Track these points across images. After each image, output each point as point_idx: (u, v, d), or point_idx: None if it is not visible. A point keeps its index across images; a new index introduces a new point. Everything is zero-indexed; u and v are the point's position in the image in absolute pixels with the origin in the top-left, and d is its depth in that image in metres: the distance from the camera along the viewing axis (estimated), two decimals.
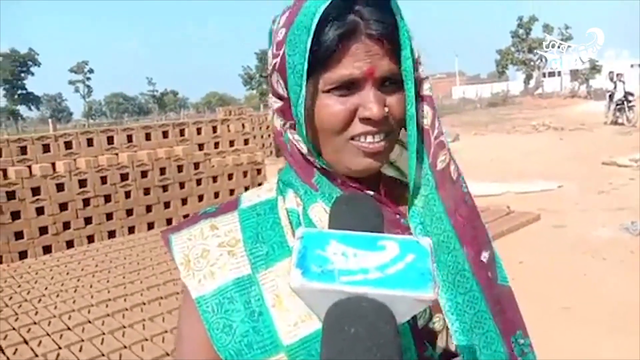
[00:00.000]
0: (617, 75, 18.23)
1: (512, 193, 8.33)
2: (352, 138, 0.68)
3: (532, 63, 47.71)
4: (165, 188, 7.29)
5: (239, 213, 0.73)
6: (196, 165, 7.58)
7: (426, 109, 0.71)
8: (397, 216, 0.73)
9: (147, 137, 7.37)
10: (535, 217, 6.65)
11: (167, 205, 7.29)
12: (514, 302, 0.76)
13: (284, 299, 0.66)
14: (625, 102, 17.61)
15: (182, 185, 7.44)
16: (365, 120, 0.67)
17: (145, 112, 68.79)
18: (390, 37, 0.66)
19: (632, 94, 17.77)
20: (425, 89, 0.72)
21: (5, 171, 6.09)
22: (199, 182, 7.61)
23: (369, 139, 0.68)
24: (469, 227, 0.72)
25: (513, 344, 0.73)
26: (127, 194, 6.96)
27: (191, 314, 0.68)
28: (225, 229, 0.72)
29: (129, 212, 6.98)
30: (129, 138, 7.20)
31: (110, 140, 7.04)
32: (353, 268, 0.45)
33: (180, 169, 7.39)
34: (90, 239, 6.61)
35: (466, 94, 46.38)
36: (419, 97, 0.71)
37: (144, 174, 7.09)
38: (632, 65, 42.98)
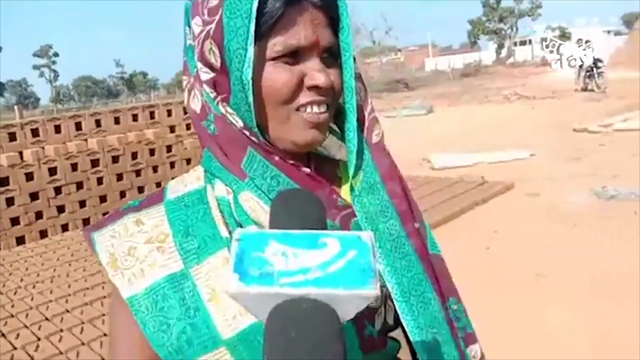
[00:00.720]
0: (586, 42, 18.46)
1: (486, 163, 8.44)
2: (298, 109, 0.67)
3: (503, 32, 47.98)
4: (138, 173, 7.18)
5: (165, 205, 0.70)
6: (168, 148, 7.47)
7: (359, 86, 0.72)
8: (334, 196, 0.72)
9: (117, 121, 7.21)
10: (508, 186, 6.76)
11: (140, 189, 7.19)
12: (446, 270, 0.77)
13: (219, 293, 0.64)
14: (594, 69, 17.88)
15: (155, 169, 7.34)
16: (313, 89, 0.66)
17: (114, 95, 67.39)
18: (331, 8, 0.66)
19: (601, 61, 18.03)
20: (356, 67, 0.71)
21: None
22: (172, 164, 7.51)
23: (315, 108, 0.67)
24: (403, 197, 0.74)
25: (448, 309, 0.74)
26: (100, 180, 6.84)
27: (123, 315, 0.65)
28: (152, 223, 0.68)
29: (103, 199, 6.87)
30: (98, 123, 7.04)
31: (78, 126, 6.87)
32: (293, 268, 0.44)
33: (152, 152, 7.28)
34: (65, 228, 6.50)
35: (439, 66, 46.47)
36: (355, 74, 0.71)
37: (115, 159, 6.96)
38: (608, 32, 43.57)
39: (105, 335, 3.44)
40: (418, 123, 15.51)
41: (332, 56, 0.68)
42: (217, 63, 0.65)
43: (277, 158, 0.69)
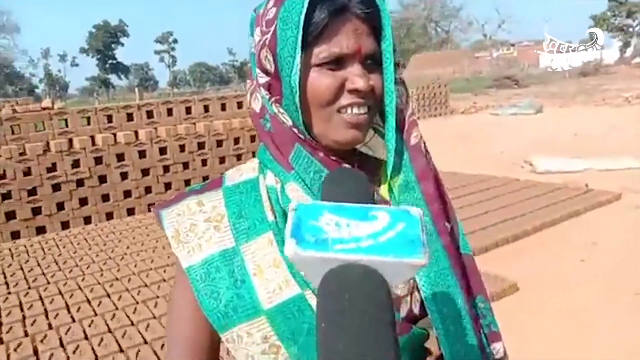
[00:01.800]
0: None
1: (594, 170, 7.90)
2: (339, 110, 0.73)
3: (630, 29, 44.12)
4: (239, 157, 7.56)
5: (223, 190, 0.80)
6: None
7: (401, 90, 0.77)
8: (371, 191, 0.78)
9: (223, 107, 7.64)
10: (615, 196, 6.30)
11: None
12: (476, 270, 0.80)
13: (264, 269, 0.73)
14: None
15: (253, 155, 7.60)
16: (353, 92, 0.72)
17: (226, 82, 70.60)
18: (374, 18, 0.72)
19: None
20: (399, 73, 0.76)
21: (93, 138, 6.57)
22: None
23: (355, 110, 0.73)
24: (437, 197, 0.77)
25: (474, 307, 0.78)
26: (204, 162, 7.31)
27: (182, 283, 0.76)
28: (211, 205, 0.78)
29: (206, 179, 7.27)
30: (206, 108, 7.50)
31: (188, 110, 7.37)
32: (346, 237, 0.47)
33: (252, 139, 7.62)
34: None
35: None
36: (395, 79, 0.75)
37: (219, 143, 7.39)
38: None
39: None
40: (525, 123, 14.78)
41: (374, 63, 0.74)
42: (271, 69, 0.74)
43: (321, 154, 0.76)
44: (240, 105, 7.77)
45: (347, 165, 0.77)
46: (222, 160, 7.42)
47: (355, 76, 0.72)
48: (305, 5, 0.69)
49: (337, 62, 0.72)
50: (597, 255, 4.65)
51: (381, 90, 0.75)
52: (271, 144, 0.78)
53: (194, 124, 7.33)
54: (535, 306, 3.73)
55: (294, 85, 0.72)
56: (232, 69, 70.12)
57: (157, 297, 3.89)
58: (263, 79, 0.76)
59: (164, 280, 4.21)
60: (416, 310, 0.76)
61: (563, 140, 10.77)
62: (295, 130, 0.76)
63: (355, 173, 0.61)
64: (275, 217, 0.75)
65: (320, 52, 0.71)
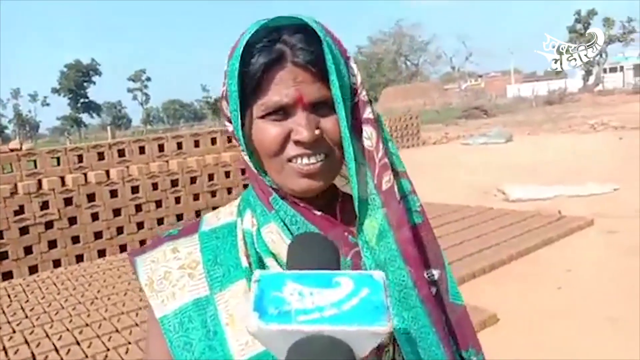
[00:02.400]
0: None
1: (565, 197, 8.04)
2: (290, 160, 0.71)
3: (591, 59, 45.81)
4: (213, 193, 7.48)
5: (199, 236, 0.78)
6: (243, 171, 7.73)
7: (369, 131, 0.74)
8: (346, 233, 0.75)
9: (196, 144, 7.59)
10: (588, 222, 6.40)
11: (215, 209, 7.47)
12: (467, 320, 0.78)
13: (236, 319, 0.70)
14: None
15: (229, 191, 7.61)
16: (298, 143, 0.70)
17: (199, 118, 70.61)
18: (320, 64, 0.69)
19: None
20: (367, 113, 0.74)
21: (63, 179, 6.43)
22: (245, 186, 7.68)
23: (305, 160, 0.71)
24: (414, 246, 0.73)
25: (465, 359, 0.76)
26: (177, 200, 7.20)
27: (156, 332, 0.73)
28: (186, 251, 0.77)
29: (179, 217, 7.21)
30: (179, 145, 7.44)
31: (161, 147, 7.30)
32: (309, 307, 0.46)
33: (227, 174, 7.57)
34: (142, 243, 6.86)
35: (521, 92, 45.01)
36: (363, 120, 0.73)
37: (193, 180, 7.31)
38: None
39: None
40: (495, 151, 15.05)
41: (328, 107, 0.71)
42: (230, 121, 0.75)
43: (290, 199, 0.75)
44: (214, 141, 7.74)
45: (316, 212, 0.75)
46: (196, 197, 7.33)
47: (299, 126, 0.70)
48: (238, 56, 0.68)
49: (281, 112, 0.70)
50: (573, 282, 4.68)
51: (335, 133, 0.72)
52: (255, 183, 0.78)
53: (167, 161, 7.26)
54: (516, 339, 3.71)
55: (239, 137, 0.72)
56: (206, 105, 70.16)
57: (129, 342, 3.75)
58: (229, 128, 0.76)
59: (136, 325, 4.07)
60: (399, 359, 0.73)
61: (533, 167, 10.97)
62: (260, 177, 0.75)
63: (320, 238, 0.60)
64: (250, 264, 0.73)
65: (262, 103, 0.70)
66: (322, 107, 0.71)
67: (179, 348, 0.71)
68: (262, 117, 0.71)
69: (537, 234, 5.99)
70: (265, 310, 0.46)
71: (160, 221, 7.03)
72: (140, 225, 6.90)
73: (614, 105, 26.79)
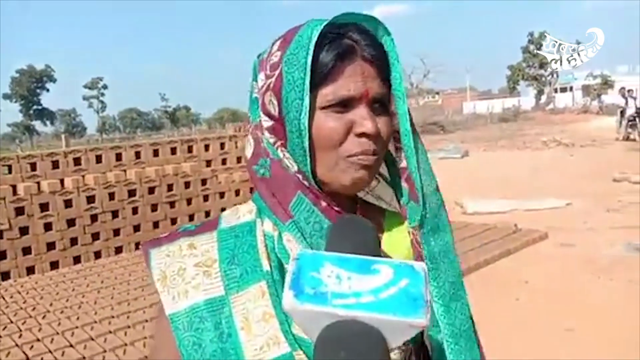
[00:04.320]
0: (629, 91, 18.11)
1: (521, 210, 8.27)
2: (349, 156, 0.71)
3: (543, 78, 47.62)
4: (172, 204, 7.33)
5: (217, 233, 0.76)
6: (203, 182, 7.63)
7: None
8: None
9: (155, 153, 7.44)
10: (542, 235, 6.59)
11: (174, 221, 7.32)
12: None
13: (252, 323, 0.68)
14: (637, 118, 17.46)
15: (189, 202, 7.48)
16: (362, 135, 0.70)
17: (157, 128, 69.40)
18: (381, 61, 0.71)
19: None
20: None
21: (14, 187, 6.17)
22: (205, 198, 7.65)
23: (363, 155, 0.71)
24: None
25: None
26: (135, 210, 7.01)
27: (164, 329, 0.71)
28: (203, 248, 0.74)
29: (136, 228, 7.02)
30: (137, 155, 7.27)
31: (118, 156, 7.12)
32: (346, 291, 0.45)
33: (187, 185, 7.44)
34: (97, 255, 6.65)
35: (477, 109, 46.26)
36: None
37: (151, 190, 7.15)
38: None
39: None
40: (453, 166, 15.35)
41: (382, 106, 0.72)
42: (275, 112, 0.71)
43: (323, 204, 0.72)
44: (173, 151, 7.60)
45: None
46: (154, 207, 7.16)
47: (364, 119, 0.69)
48: (312, 47, 0.68)
49: (343, 105, 0.70)
50: (530, 294, 4.80)
51: (388, 135, 0.73)
52: (264, 191, 0.75)
53: (125, 170, 7.07)
54: None
55: (303, 128, 0.69)
56: (165, 114, 69.14)
57: (84, 357, 3.60)
58: (267, 122, 0.74)
59: (92, 339, 3.92)
60: None
61: (489, 182, 11.25)
62: (299, 175, 0.72)
63: (362, 222, 0.58)
64: (271, 267, 0.71)
65: (327, 94, 0.69)
66: (379, 105, 0.72)
67: (187, 347, 0.69)
68: (325, 107, 0.70)
69: (495, 246, 6.13)
70: (301, 289, 0.45)
71: (116, 232, 6.83)
72: (95, 236, 6.68)
73: (564, 124, 27.86)
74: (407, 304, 0.45)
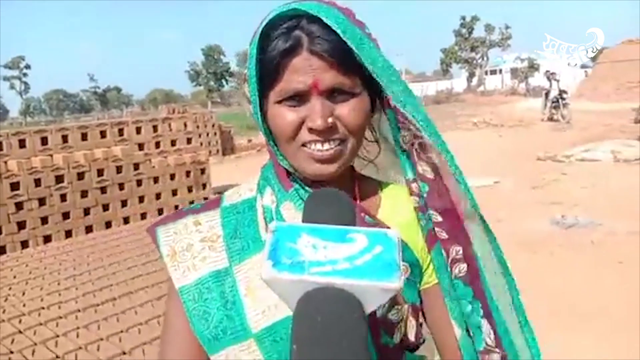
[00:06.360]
0: (552, 74, 19.02)
1: None
2: (304, 145, 0.73)
3: (474, 61, 49.18)
4: (103, 190, 7.07)
5: (221, 210, 0.81)
6: (136, 166, 7.39)
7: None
8: (362, 214, 0.79)
9: (84, 137, 7.14)
10: None
11: (105, 207, 7.08)
12: None
13: (255, 290, 0.73)
14: (560, 100, 18.41)
15: (121, 187, 7.24)
16: (311, 130, 0.72)
17: (86, 110, 66.43)
18: (339, 51, 0.70)
19: (566, 92, 18.59)
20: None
21: None
22: (139, 183, 7.42)
23: (318, 146, 0.73)
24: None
25: None
26: (63, 197, 6.71)
27: (175, 302, 0.76)
28: (208, 225, 0.80)
29: (66, 216, 6.73)
30: (65, 138, 6.95)
31: (44, 141, 6.77)
32: (322, 259, 0.47)
33: (119, 169, 7.19)
34: (24, 245, 6.34)
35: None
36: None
37: (80, 176, 6.85)
38: (574, 65, 44.91)
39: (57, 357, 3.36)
40: None
41: (345, 93, 0.73)
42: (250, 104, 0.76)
43: (309, 180, 0.78)
44: (103, 134, 7.31)
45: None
46: (84, 194, 6.88)
47: (313, 114, 0.71)
48: (257, 42, 0.71)
49: (297, 98, 0.72)
50: None
51: (357, 119, 0.74)
52: (276, 162, 0.80)
53: (51, 155, 6.74)
54: None
55: (257, 120, 0.75)
56: (94, 96, 66.20)
57: None
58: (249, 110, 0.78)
59: (35, 344, 3.77)
60: (411, 336, 0.77)
61: None
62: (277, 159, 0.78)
63: (338, 194, 0.59)
64: None
65: (279, 89, 0.72)
66: (339, 93, 0.72)
67: (197, 317, 0.73)
68: (279, 102, 0.72)
69: None
70: (279, 259, 0.47)
71: (44, 220, 6.52)
72: (21, 225, 6.35)
73: (494, 105, 28.96)
74: (381, 269, 0.47)
